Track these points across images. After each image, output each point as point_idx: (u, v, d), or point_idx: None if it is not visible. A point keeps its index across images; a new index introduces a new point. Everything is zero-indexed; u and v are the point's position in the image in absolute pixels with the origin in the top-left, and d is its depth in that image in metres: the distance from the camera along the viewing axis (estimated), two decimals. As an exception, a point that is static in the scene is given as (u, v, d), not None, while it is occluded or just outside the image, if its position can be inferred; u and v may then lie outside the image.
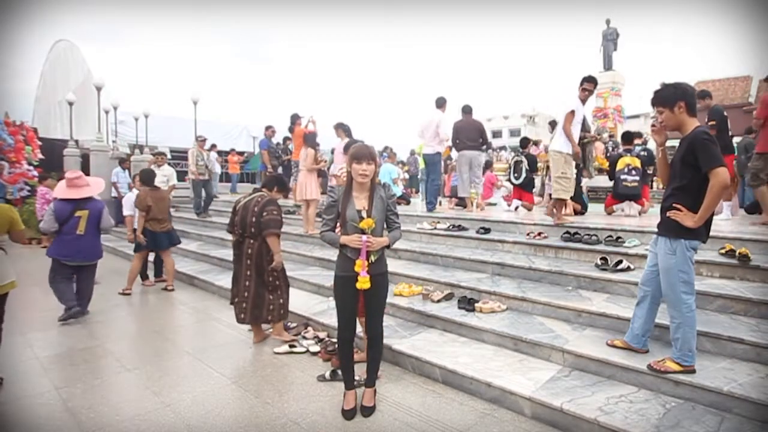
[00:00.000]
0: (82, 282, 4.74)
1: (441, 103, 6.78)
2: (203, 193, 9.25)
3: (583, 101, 5.06)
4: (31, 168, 11.35)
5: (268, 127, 9.85)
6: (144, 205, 5.44)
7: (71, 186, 4.53)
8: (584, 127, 5.40)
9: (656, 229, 2.71)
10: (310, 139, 6.86)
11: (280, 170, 9.71)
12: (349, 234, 2.56)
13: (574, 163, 5.13)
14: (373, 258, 2.57)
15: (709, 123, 5.00)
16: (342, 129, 6.77)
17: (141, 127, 16.50)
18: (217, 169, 9.22)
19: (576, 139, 5.03)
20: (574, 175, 5.25)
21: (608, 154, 9.61)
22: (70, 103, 12.95)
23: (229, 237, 4.19)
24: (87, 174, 10.63)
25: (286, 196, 4.78)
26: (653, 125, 2.76)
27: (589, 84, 4.99)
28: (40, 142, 12.09)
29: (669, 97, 2.58)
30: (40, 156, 11.81)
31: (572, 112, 4.88)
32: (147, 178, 5.68)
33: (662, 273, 2.60)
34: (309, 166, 6.60)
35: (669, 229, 2.57)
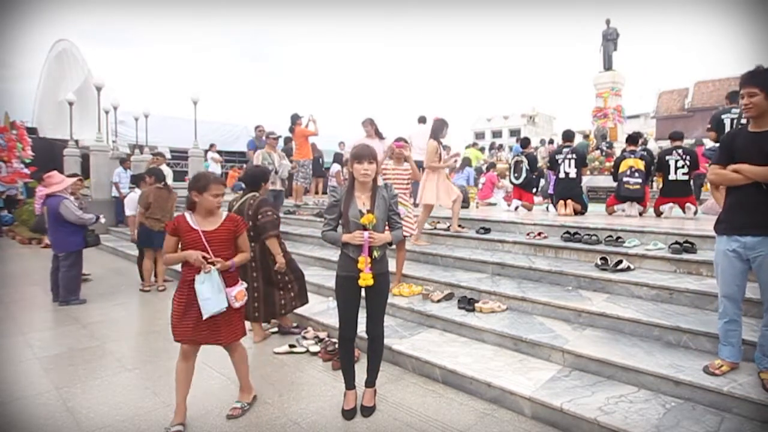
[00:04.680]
0: (59, 271, 5.14)
1: (425, 119, 7.70)
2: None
3: None
4: (23, 166, 11.34)
5: (257, 127, 9.40)
6: (145, 201, 5.59)
7: (42, 185, 5.31)
8: None
9: (753, 230, 2.39)
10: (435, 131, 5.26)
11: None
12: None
13: None
14: (375, 254, 2.56)
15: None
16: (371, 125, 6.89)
17: (141, 127, 16.47)
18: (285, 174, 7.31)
19: None
20: None
21: (604, 154, 9.63)
22: (70, 103, 12.92)
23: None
24: (87, 174, 10.72)
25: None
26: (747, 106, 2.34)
27: None
28: (30, 140, 12.04)
29: None
30: (31, 153, 11.75)
31: None
32: (158, 174, 5.99)
33: None
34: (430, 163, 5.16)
35: None
